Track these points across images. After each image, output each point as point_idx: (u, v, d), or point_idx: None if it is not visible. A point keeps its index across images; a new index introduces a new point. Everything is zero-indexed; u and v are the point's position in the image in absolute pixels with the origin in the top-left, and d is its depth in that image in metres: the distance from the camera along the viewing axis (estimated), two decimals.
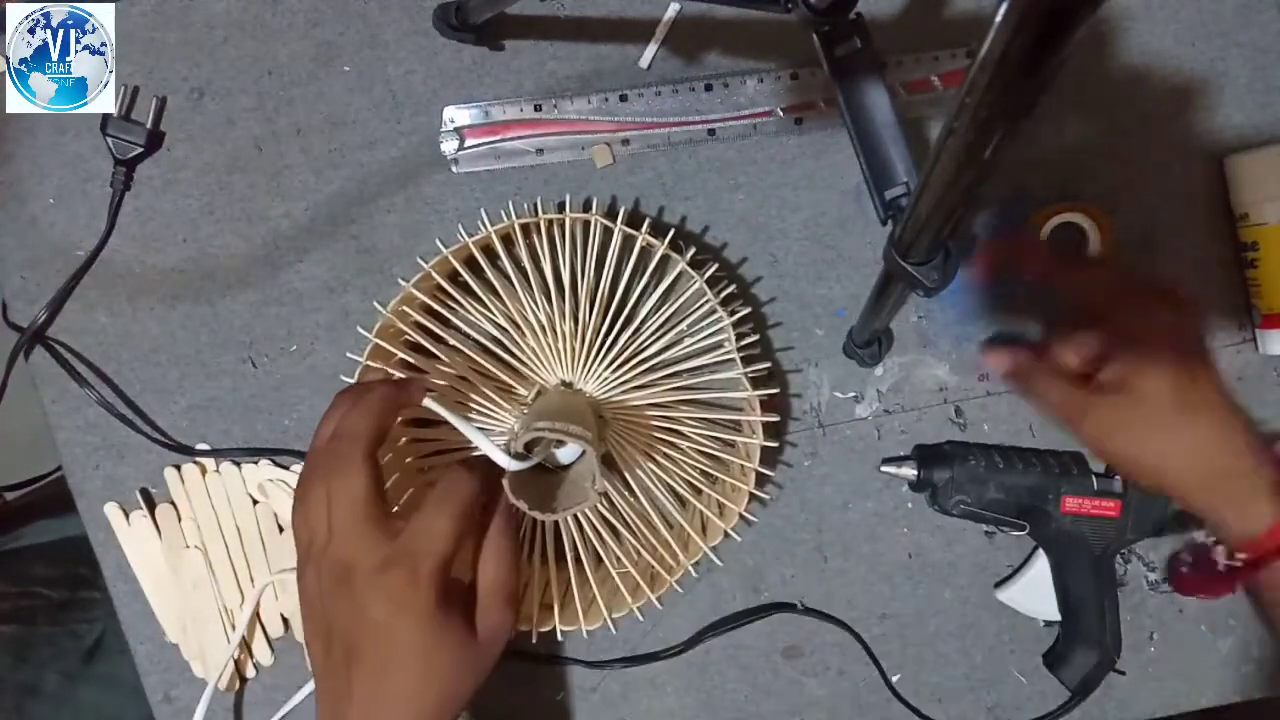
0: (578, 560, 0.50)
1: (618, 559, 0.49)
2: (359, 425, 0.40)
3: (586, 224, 0.48)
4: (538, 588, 0.51)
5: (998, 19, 0.21)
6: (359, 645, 0.39)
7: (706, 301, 0.48)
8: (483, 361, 0.49)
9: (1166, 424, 0.44)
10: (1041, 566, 0.54)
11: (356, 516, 0.39)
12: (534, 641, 0.51)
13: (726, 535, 0.50)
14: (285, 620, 0.56)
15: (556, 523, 0.50)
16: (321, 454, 0.41)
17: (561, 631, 0.50)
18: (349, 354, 0.50)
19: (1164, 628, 0.57)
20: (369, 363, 0.49)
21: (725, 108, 0.54)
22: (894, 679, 0.56)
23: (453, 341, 0.49)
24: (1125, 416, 0.45)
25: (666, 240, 0.47)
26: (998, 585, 0.55)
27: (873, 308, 0.47)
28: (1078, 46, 0.22)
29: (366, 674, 0.39)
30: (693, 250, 0.49)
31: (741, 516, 0.50)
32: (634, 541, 0.50)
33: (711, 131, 0.54)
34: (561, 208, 0.53)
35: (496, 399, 0.49)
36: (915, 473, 0.54)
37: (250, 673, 0.56)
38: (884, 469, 0.54)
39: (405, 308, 0.49)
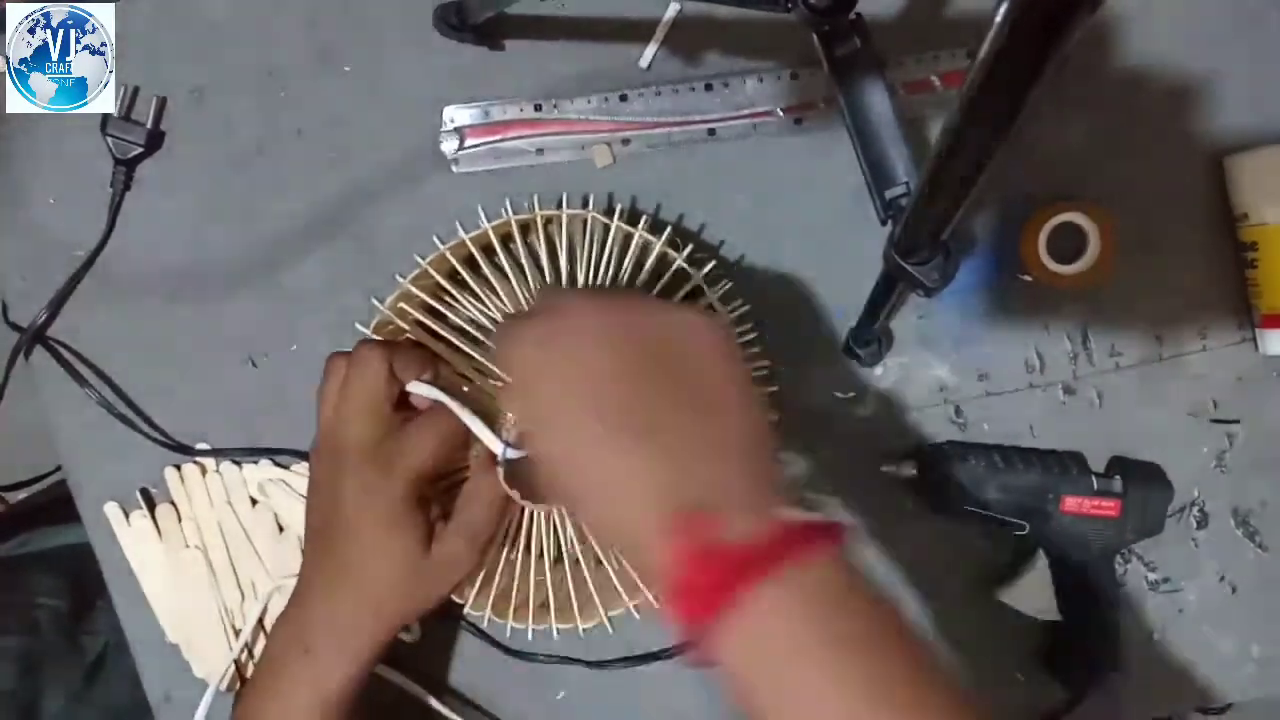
0: (575, 561, 0.50)
1: (617, 560, 0.49)
2: (380, 349, 0.44)
3: (584, 221, 0.48)
4: (534, 587, 0.51)
5: (997, 19, 0.22)
6: (332, 524, 0.43)
7: (704, 299, 0.48)
8: (480, 358, 0.49)
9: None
10: (1041, 566, 0.54)
11: (361, 405, 0.43)
12: (530, 639, 0.51)
13: None
14: None
15: (555, 524, 0.50)
16: (350, 354, 0.44)
17: (558, 630, 0.50)
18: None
19: (1164, 628, 0.57)
20: (374, 337, 0.49)
21: (725, 108, 0.54)
22: None
23: (452, 338, 0.49)
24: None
25: (664, 237, 0.47)
26: (998, 585, 0.55)
27: (872, 308, 0.47)
28: (1077, 46, 0.22)
29: (334, 553, 0.43)
30: (690, 247, 0.49)
31: None
32: None
33: (711, 131, 0.54)
34: (559, 204, 0.53)
35: (495, 395, 0.49)
36: (915, 473, 0.54)
37: (250, 673, 0.56)
38: (883, 469, 0.54)
39: (404, 305, 0.49)
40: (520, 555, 0.51)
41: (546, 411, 0.35)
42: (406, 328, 0.49)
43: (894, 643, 0.31)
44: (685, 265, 0.47)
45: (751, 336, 0.51)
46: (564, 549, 0.50)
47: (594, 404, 0.34)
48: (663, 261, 0.48)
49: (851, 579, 0.32)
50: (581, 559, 0.50)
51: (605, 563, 0.50)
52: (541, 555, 0.51)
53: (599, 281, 0.48)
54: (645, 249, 0.48)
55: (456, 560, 0.44)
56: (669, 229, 0.48)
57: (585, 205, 0.53)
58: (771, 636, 0.30)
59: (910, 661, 0.31)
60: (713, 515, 0.31)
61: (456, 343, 0.49)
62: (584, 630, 0.50)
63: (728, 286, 0.50)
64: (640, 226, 0.47)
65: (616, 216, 0.47)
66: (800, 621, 0.30)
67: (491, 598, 0.50)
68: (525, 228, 0.50)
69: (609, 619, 0.49)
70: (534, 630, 0.50)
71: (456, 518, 0.44)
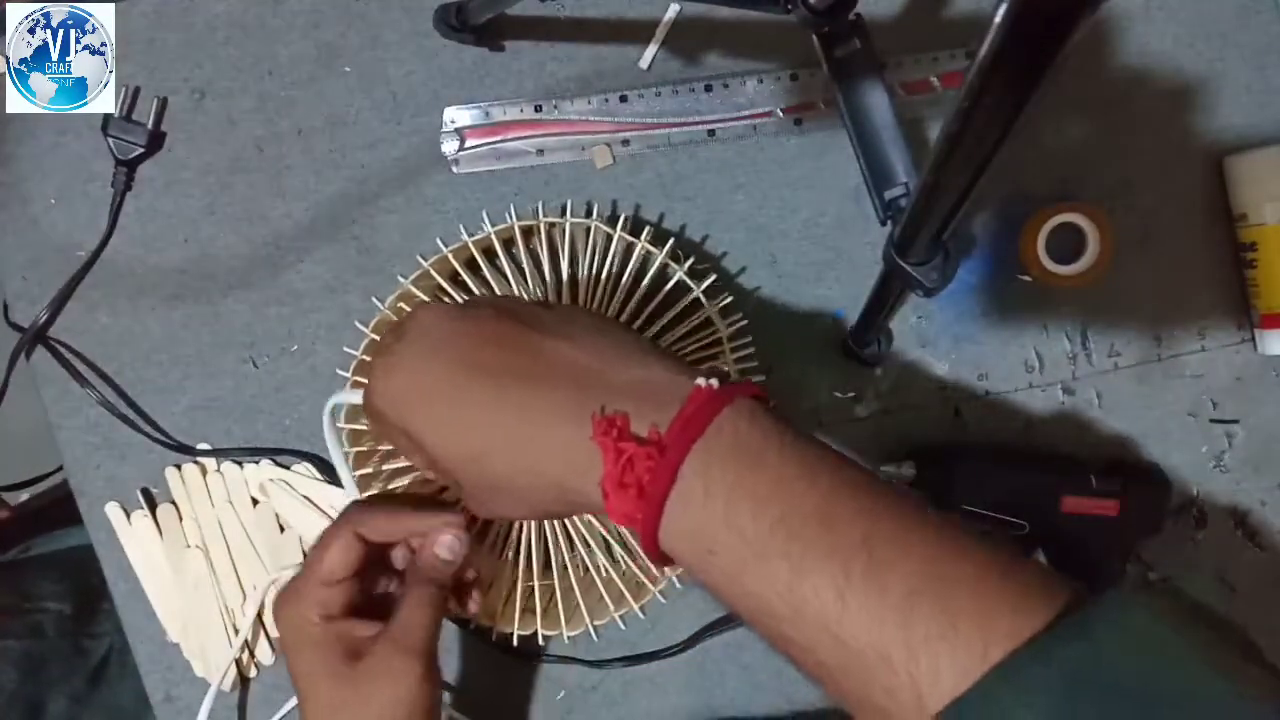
0: (563, 567, 0.50)
1: (604, 569, 0.49)
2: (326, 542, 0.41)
3: (588, 229, 0.48)
4: (521, 593, 0.51)
5: (996, 20, 0.22)
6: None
7: (704, 312, 0.48)
8: None
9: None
10: None
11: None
12: (514, 645, 0.51)
13: None
14: None
15: (544, 529, 0.50)
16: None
17: (544, 636, 0.50)
18: (346, 348, 0.50)
19: None
20: (363, 357, 0.49)
21: (725, 108, 0.54)
22: None
23: None
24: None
25: (666, 249, 0.47)
26: None
27: (872, 308, 0.47)
28: (1077, 47, 0.22)
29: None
30: (691, 260, 0.49)
31: None
32: (622, 551, 0.50)
33: (711, 132, 0.54)
34: (563, 211, 0.54)
35: None
36: (914, 473, 0.54)
37: (251, 672, 0.56)
38: (883, 469, 0.54)
39: (404, 305, 0.49)
40: (509, 561, 0.51)
41: (417, 397, 0.35)
42: None
43: (830, 476, 0.30)
44: (686, 278, 0.47)
45: (749, 351, 0.51)
46: (552, 558, 0.50)
47: (462, 366, 0.34)
48: (664, 271, 0.48)
49: (777, 428, 0.32)
50: (570, 566, 0.50)
51: (592, 571, 0.50)
52: (530, 561, 0.50)
53: (599, 289, 0.48)
54: (647, 259, 0.48)
55: (390, 672, 0.39)
56: (671, 240, 0.48)
57: (590, 212, 0.53)
58: (706, 511, 0.30)
59: (853, 487, 0.30)
60: (624, 410, 0.31)
61: None
62: (569, 638, 0.49)
63: (728, 300, 0.50)
64: (643, 237, 0.47)
65: (620, 226, 0.47)
66: (731, 484, 0.30)
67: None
68: (528, 232, 0.50)
69: (594, 626, 0.49)
70: (519, 635, 0.50)
71: (391, 627, 0.40)
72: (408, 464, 0.50)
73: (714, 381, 0.32)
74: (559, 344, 0.34)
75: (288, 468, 0.55)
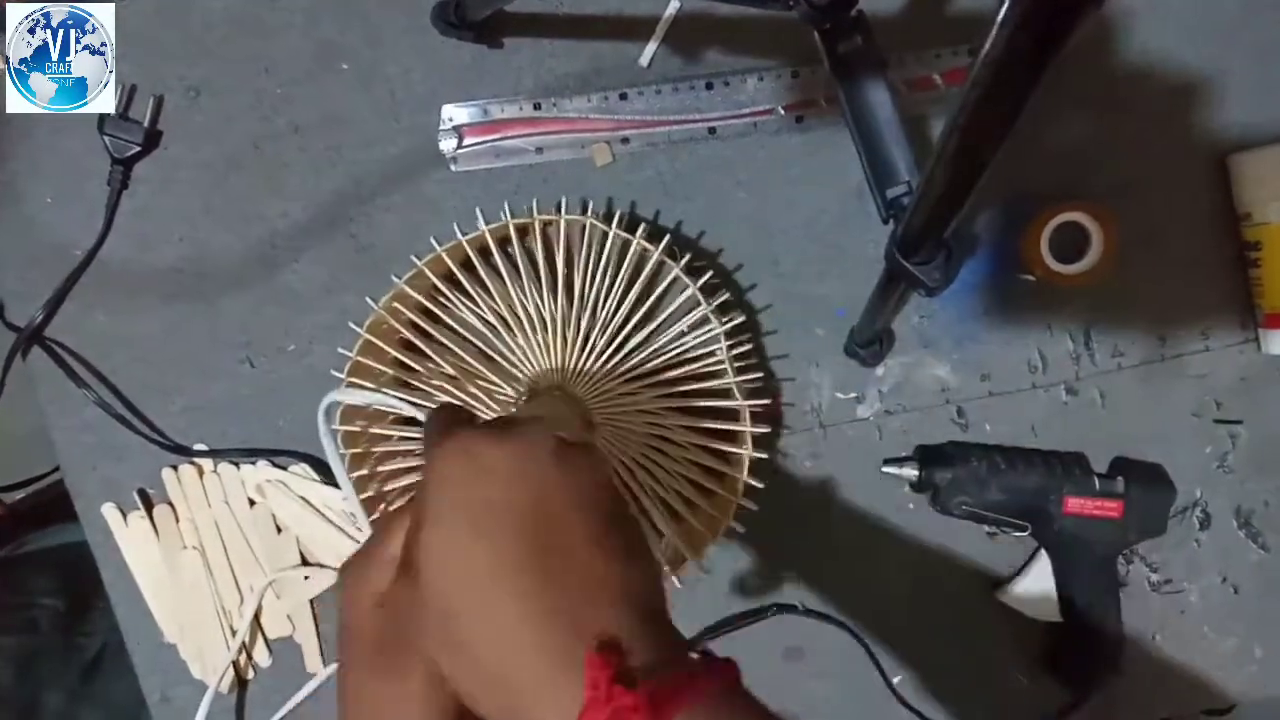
0: None
1: None
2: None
3: (583, 226, 0.48)
4: None
5: (1000, 17, 0.21)
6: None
7: (700, 309, 0.48)
8: (473, 361, 0.48)
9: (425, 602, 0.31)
10: (1043, 567, 0.53)
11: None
12: None
13: (717, 537, 0.49)
14: (291, 620, 0.55)
15: None
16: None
17: None
18: (340, 349, 0.50)
19: (1165, 629, 0.57)
20: (362, 359, 0.49)
21: (726, 106, 0.53)
22: (895, 680, 0.56)
23: (445, 340, 0.49)
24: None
25: (662, 246, 0.47)
26: (999, 586, 0.55)
27: (874, 307, 0.46)
28: (1080, 44, 0.21)
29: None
30: (688, 256, 0.49)
31: (731, 527, 0.49)
32: None
33: (712, 130, 0.54)
34: (558, 208, 0.53)
35: (487, 400, 0.48)
36: (916, 473, 0.53)
37: (249, 674, 0.56)
38: (885, 470, 0.54)
39: (399, 305, 0.49)
40: None
41: (450, 524, 0.31)
42: (400, 328, 0.49)
43: None
44: (682, 274, 0.47)
45: (747, 349, 0.50)
46: None
47: (504, 536, 0.31)
48: (660, 268, 0.48)
49: (753, 713, 0.30)
50: None
51: None
52: None
53: (596, 287, 0.48)
54: (643, 256, 0.48)
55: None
56: (667, 237, 0.48)
57: (584, 209, 0.53)
58: None
59: None
60: (624, 653, 0.29)
61: (447, 343, 0.49)
62: None
63: (725, 298, 0.50)
64: (639, 234, 0.47)
65: (615, 223, 0.47)
66: None
67: None
68: (523, 230, 0.49)
69: None
70: None
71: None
72: (404, 466, 0.50)
73: (713, 656, 0.31)
74: (594, 548, 0.32)
75: (284, 468, 0.55)
